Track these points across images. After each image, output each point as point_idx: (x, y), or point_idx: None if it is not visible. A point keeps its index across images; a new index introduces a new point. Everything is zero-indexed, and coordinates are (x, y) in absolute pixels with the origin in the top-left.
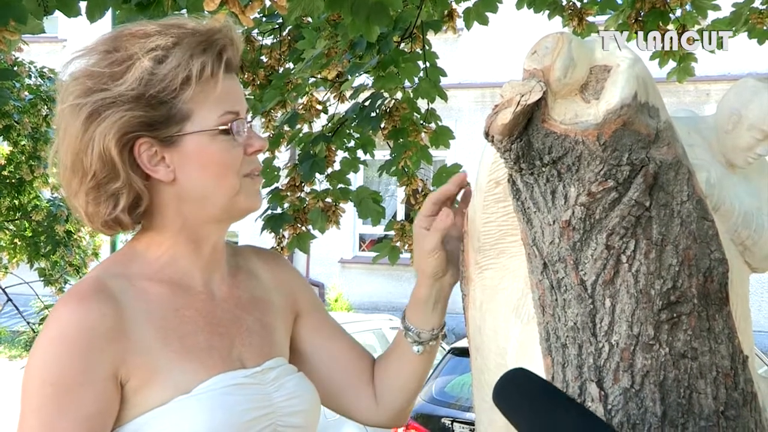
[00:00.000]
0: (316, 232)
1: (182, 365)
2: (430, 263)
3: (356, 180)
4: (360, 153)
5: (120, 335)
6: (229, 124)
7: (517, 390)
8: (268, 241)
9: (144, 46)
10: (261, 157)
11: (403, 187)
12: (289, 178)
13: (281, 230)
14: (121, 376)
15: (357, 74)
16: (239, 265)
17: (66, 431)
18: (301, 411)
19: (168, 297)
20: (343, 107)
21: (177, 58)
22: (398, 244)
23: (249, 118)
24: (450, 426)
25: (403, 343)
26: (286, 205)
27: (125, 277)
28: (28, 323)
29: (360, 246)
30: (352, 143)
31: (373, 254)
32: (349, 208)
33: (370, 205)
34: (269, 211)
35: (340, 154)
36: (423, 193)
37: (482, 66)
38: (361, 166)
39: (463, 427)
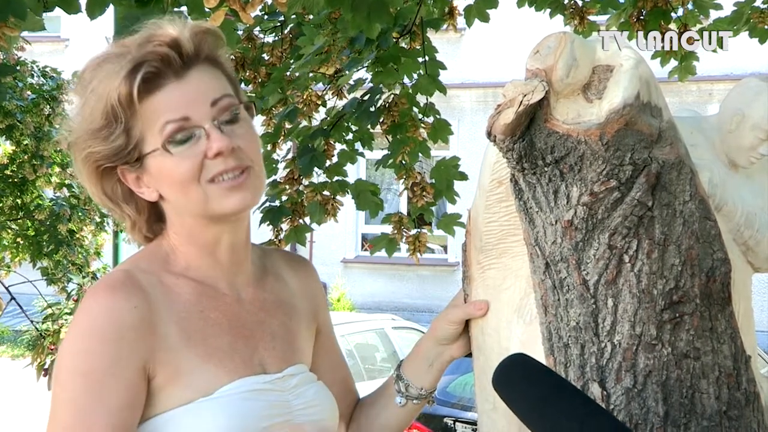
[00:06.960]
0: (314, 226)
1: (204, 367)
2: (444, 329)
3: (357, 177)
4: (358, 146)
5: (149, 329)
6: (165, 139)
7: (518, 375)
8: (266, 233)
9: (94, 77)
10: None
11: (402, 180)
12: (287, 171)
13: (279, 223)
14: (148, 371)
15: (355, 69)
16: (266, 267)
17: (97, 421)
18: (319, 420)
19: (194, 297)
20: (341, 103)
21: (99, 91)
22: (396, 236)
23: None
24: (452, 426)
25: (390, 389)
26: (284, 198)
27: (153, 273)
28: (32, 322)
29: (362, 245)
30: (350, 136)
31: (376, 254)
32: (351, 208)
33: (368, 197)
34: (267, 204)
35: (339, 147)
36: (421, 185)
37: (484, 66)
38: (363, 164)
39: (465, 427)
